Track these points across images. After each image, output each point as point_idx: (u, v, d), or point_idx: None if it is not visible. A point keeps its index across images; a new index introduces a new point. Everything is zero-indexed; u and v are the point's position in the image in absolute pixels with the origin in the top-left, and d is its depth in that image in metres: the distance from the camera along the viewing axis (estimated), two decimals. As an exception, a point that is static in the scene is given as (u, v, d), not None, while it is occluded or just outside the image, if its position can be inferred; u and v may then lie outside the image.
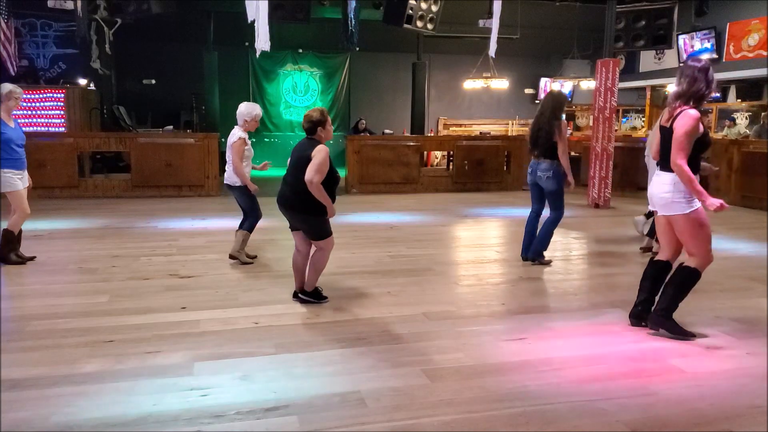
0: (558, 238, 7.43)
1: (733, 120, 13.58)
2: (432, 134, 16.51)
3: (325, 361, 3.38)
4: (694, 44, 13.77)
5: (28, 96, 10.94)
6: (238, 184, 5.49)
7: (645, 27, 9.72)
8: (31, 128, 10.82)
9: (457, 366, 3.34)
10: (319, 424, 2.67)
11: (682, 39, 13.72)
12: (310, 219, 4.17)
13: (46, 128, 11.01)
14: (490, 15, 10.39)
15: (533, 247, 5.78)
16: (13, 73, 11.66)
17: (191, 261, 5.75)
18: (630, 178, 11.17)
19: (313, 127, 4.19)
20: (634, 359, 3.48)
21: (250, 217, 5.63)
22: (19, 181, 5.39)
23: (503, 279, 5.32)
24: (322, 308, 4.33)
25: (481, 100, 17.82)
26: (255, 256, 5.75)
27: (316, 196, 4.04)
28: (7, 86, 5.38)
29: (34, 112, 11.07)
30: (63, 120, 11.14)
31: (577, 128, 17.87)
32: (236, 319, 4.06)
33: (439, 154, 15.97)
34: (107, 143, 10.51)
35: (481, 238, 7.47)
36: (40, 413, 2.74)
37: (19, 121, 5.79)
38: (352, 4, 10.21)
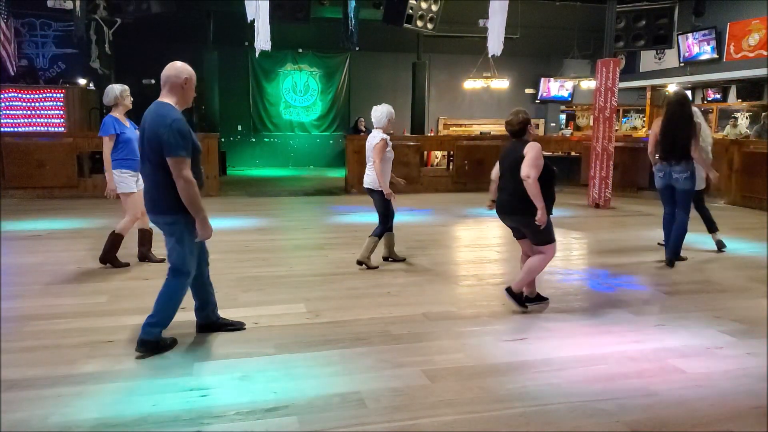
0: (558, 238, 7.40)
1: (735, 119, 13.59)
2: (432, 134, 16.51)
3: (325, 361, 3.38)
4: (694, 45, 13.79)
5: (28, 96, 10.95)
6: (380, 188, 5.40)
7: (645, 27, 9.73)
8: (31, 128, 10.82)
9: (457, 366, 3.33)
10: (319, 425, 2.66)
11: (683, 39, 13.73)
12: (534, 222, 4.00)
13: (46, 128, 11.00)
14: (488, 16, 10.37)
15: (671, 248, 5.83)
16: (12, 73, 11.67)
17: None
18: (630, 178, 11.16)
19: (522, 129, 4.15)
20: (634, 359, 3.47)
21: (382, 222, 5.54)
22: (134, 183, 5.26)
23: (503, 279, 5.31)
24: (322, 308, 4.32)
25: (482, 99, 17.82)
26: (404, 259, 5.85)
27: (531, 194, 3.92)
28: (117, 87, 5.31)
29: (33, 112, 11.06)
30: (62, 120, 11.13)
31: (577, 128, 17.89)
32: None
33: (439, 154, 15.98)
34: (107, 143, 10.50)
35: (481, 238, 7.46)
36: (39, 413, 2.74)
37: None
38: (352, 4, 10.21)
